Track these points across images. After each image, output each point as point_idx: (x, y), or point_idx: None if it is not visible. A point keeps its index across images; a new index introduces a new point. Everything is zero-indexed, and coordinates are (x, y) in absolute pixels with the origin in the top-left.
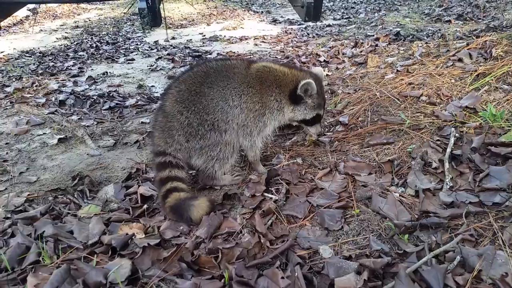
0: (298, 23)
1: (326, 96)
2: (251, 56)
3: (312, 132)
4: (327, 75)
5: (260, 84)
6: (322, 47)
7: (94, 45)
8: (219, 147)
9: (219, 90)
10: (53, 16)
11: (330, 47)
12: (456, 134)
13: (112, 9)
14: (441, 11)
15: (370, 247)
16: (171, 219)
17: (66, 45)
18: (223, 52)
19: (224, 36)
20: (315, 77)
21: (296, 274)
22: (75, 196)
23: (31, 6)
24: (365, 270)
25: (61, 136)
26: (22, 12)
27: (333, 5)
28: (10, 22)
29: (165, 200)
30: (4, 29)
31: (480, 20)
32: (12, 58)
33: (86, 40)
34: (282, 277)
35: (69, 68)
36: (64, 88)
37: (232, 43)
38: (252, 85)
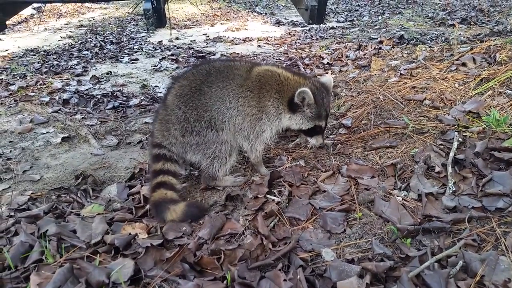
0: (302, 25)
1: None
2: (255, 58)
3: (312, 144)
4: None
5: (259, 88)
6: (325, 50)
7: (98, 44)
8: (215, 145)
9: (217, 90)
10: (57, 15)
11: (333, 50)
12: (459, 139)
13: (117, 8)
14: (445, 14)
15: (372, 251)
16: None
17: (70, 44)
18: (227, 53)
19: (228, 37)
20: (319, 86)
21: (298, 276)
22: (78, 195)
23: (36, 4)
24: (368, 274)
25: (65, 135)
26: (27, 11)
27: (337, 7)
28: (15, 20)
29: (152, 193)
30: (9, 27)
31: (484, 25)
32: (16, 57)
33: (90, 39)
34: (284, 280)
35: (73, 67)
36: (68, 87)
37: (236, 44)
38: (250, 88)
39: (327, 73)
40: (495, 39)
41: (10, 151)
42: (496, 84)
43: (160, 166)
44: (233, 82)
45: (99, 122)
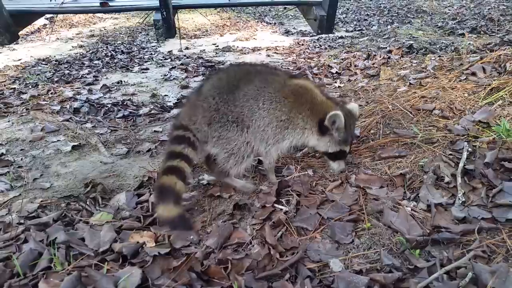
0: (311, 34)
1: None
2: None
3: (333, 168)
4: (338, 87)
5: (295, 98)
6: (334, 59)
7: (109, 54)
8: (235, 142)
9: (254, 90)
10: (69, 24)
11: (342, 59)
12: (469, 149)
13: (127, 18)
14: (454, 24)
15: (381, 262)
16: (153, 193)
17: (81, 53)
18: (236, 63)
19: (237, 46)
20: (347, 112)
21: (306, 287)
22: (87, 203)
23: (48, 15)
24: (376, 285)
25: (75, 144)
26: (40, 21)
27: (345, 17)
28: (28, 30)
29: (163, 174)
30: (22, 37)
31: (494, 34)
32: (28, 66)
33: (101, 49)
34: None
35: (84, 76)
36: (79, 96)
37: (245, 53)
38: (286, 95)
39: (335, 82)
40: (505, 49)
41: (21, 159)
42: (506, 94)
43: (180, 148)
44: (270, 86)
45: (109, 131)
